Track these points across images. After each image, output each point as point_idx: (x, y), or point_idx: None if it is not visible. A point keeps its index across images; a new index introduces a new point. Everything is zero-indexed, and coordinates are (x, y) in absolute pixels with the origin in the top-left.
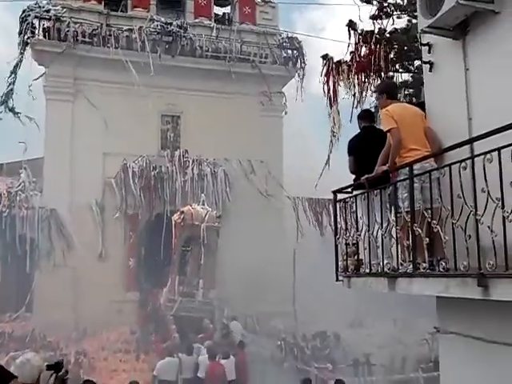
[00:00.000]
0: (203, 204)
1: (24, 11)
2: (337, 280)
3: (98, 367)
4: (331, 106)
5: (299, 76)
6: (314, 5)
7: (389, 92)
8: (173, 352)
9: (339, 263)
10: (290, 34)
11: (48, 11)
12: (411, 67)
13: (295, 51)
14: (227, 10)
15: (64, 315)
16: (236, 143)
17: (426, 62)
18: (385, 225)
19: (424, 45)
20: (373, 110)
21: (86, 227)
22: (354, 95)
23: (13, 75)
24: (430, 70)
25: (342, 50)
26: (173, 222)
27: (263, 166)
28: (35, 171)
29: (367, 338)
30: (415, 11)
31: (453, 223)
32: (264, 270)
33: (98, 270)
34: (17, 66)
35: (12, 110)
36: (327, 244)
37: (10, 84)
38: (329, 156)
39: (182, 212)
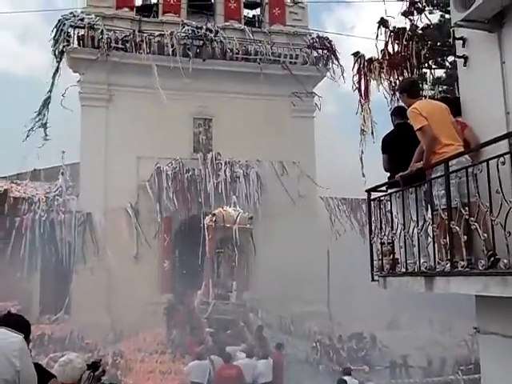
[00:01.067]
0: (235, 206)
1: (59, 21)
2: (372, 280)
3: (134, 368)
4: (362, 105)
5: (332, 74)
6: (344, 3)
7: (409, 90)
8: (206, 354)
9: (374, 263)
10: (320, 34)
11: (82, 20)
12: (445, 63)
13: (325, 51)
14: (257, 12)
15: (101, 317)
16: (268, 145)
17: (460, 57)
18: (421, 223)
19: (458, 39)
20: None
21: (122, 230)
22: (393, 94)
23: (51, 84)
24: (465, 65)
25: (373, 48)
26: (205, 225)
27: (296, 166)
28: (72, 176)
29: (404, 339)
30: (448, 6)
31: (492, 220)
32: (298, 271)
33: (134, 273)
34: (54, 75)
35: (44, 124)
36: (362, 244)
37: (47, 92)
38: (361, 157)
39: (214, 214)
